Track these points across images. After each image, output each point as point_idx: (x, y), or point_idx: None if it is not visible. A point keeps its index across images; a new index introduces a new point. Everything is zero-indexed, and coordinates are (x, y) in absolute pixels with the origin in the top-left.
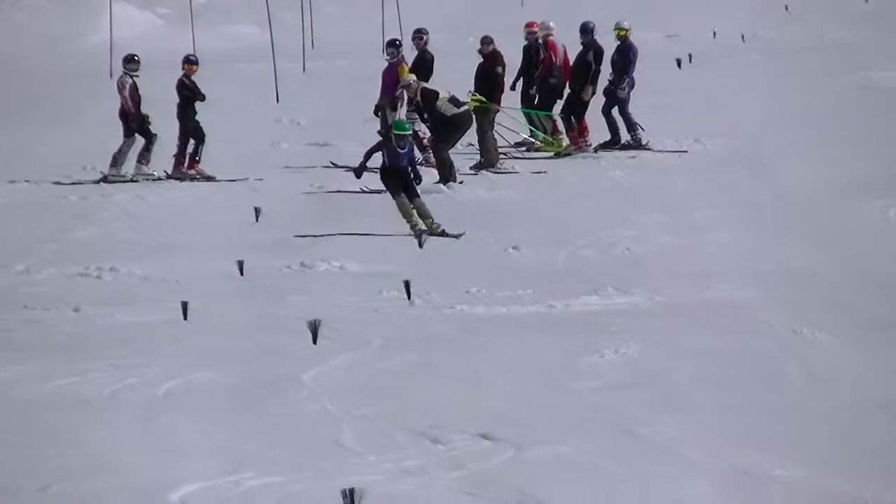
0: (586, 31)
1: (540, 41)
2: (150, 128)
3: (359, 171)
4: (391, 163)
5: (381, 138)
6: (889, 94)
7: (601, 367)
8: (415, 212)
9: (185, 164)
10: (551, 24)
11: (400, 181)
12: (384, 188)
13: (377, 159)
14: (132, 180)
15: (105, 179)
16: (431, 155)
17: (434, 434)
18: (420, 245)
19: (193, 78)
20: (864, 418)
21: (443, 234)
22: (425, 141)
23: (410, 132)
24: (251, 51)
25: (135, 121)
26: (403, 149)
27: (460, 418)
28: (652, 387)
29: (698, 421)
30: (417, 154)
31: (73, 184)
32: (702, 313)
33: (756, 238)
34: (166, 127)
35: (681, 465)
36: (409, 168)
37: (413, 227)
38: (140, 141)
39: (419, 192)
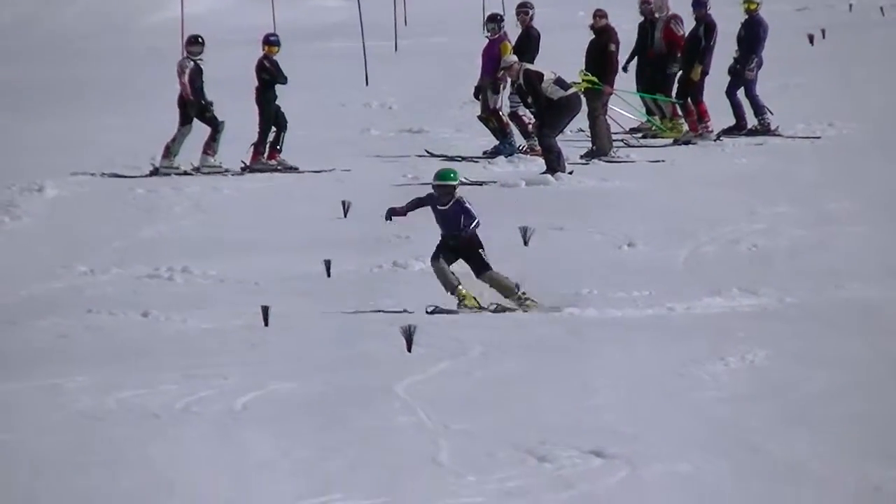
0: (700, 4)
1: (661, 17)
2: (215, 115)
3: (390, 214)
4: (445, 229)
5: (482, 124)
6: None
7: (725, 377)
8: (460, 284)
9: (266, 154)
10: None
11: (458, 255)
12: (482, 180)
13: None
14: (186, 172)
15: (157, 172)
16: (536, 142)
17: (540, 451)
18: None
19: (274, 59)
20: None
21: (527, 304)
22: (530, 127)
23: (456, 182)
24: (337, 27)
25: (193, 108)
26: (446, 206)
27: (569, 433)
28: (780, 398)
29: (830, 435)
30: (521, 141)
31: (141, 176)
32: (836, 316)
33: (895, 232)
34: (244, 113)
35: (811, 483)
36: (472, 235)
37: (461, 299)
38: (195, 130)
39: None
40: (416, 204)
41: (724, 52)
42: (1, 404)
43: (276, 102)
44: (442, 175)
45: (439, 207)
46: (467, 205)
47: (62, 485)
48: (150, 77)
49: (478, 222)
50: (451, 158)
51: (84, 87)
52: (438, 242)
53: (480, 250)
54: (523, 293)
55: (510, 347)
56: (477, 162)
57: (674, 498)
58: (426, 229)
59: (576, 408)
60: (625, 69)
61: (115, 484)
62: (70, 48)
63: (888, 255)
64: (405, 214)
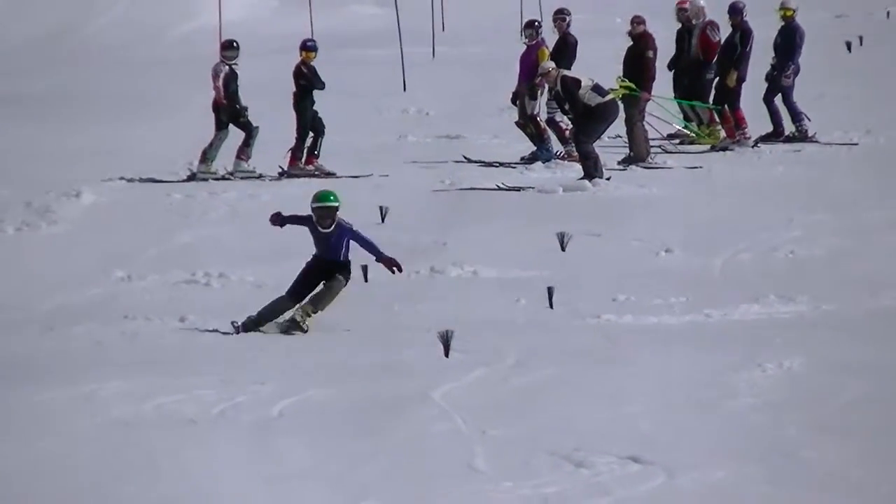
0: (736, 11)
1: (697, 24)
2: (249, 120)
3: (275, 220)
4: (321, 252)
5: (519, 130)
6: None
7: (761, 384)
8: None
9: (303, 160)
10: (702, 2)
11: (321, 279)
12: (519, 186)
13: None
14: (224, 177)
15: (193, 177)
16: (574, 148)
17: (577, 457)
18: None
19: (312, 65)
20: None
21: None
22: (567, 133)
23: (337, 205)
24: (374, 34)
25: (226, 112)
26: (328, 229)
27: (605, 440)
28: (816, 405)
29: (866, 442)
30: (558, 147)
31: (178, 181)
32: (872, 324)
33: None
34: (281, 118)
35: (846, 491)
36: (348, 263)
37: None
38: (232, 134)
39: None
40: (295, 220)
41: (761, 59)
42: (37, 411)
43: (314, 108)
44: (321, 196)
45: (321, 230)
46: (356, 229)
47: (98, 491)
48: (185, 85)
49: (376, 250)
50: (489, 164)
51: (119, 96)
52: (308, 261)
53: (349, 277)
54: (305, 319)
55: (546, 354)
56: (514, 168)
57: None
58: (463, 236)
59: (612, 414)
60: (670, 68)
61: (150, 490)
62: (104, 58)
63: None
64: (282, 225)
